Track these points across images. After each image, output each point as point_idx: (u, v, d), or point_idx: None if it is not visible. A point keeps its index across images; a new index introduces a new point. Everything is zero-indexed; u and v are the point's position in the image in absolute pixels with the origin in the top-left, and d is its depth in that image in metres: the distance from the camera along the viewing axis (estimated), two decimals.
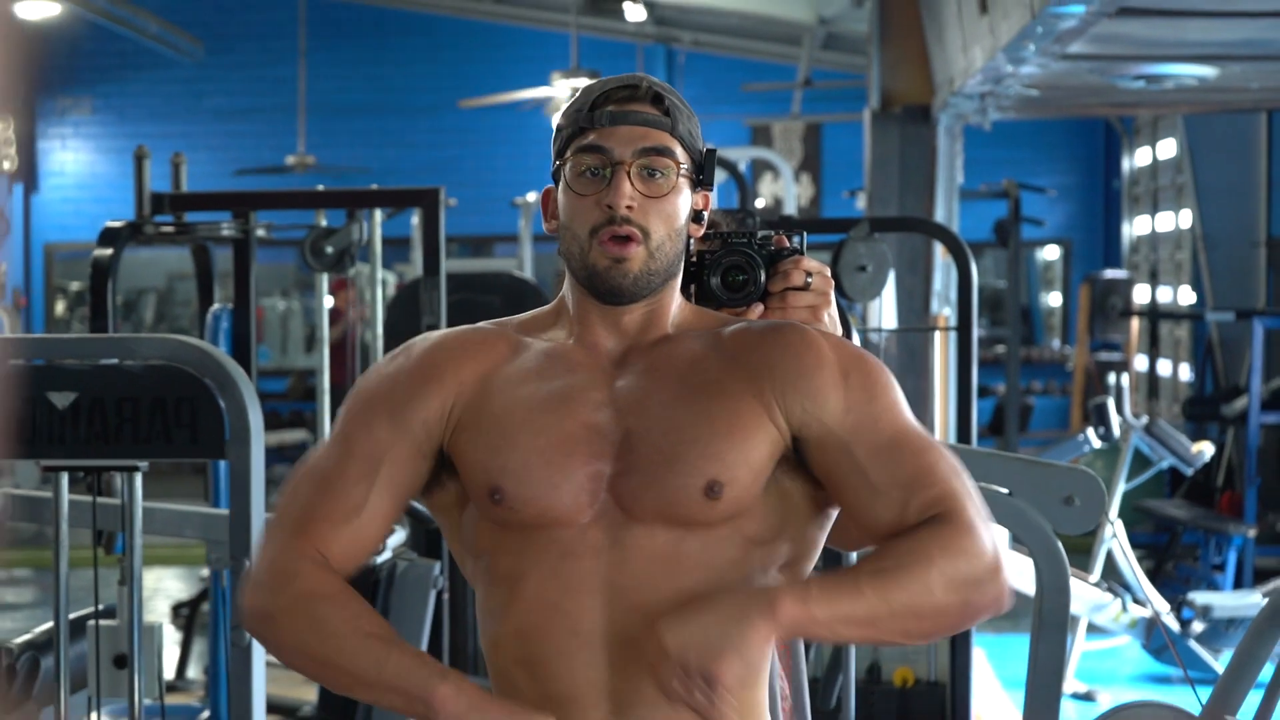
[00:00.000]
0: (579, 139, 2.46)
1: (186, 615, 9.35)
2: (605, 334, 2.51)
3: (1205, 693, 4.23)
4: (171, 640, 9.72)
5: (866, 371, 2.43)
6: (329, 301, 7.40)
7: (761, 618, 2.25)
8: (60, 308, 18.72)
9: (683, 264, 2.52)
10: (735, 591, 2.33)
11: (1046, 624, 3.93)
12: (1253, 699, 4.11)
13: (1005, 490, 3.94)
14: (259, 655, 3.69)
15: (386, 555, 4.09)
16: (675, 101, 2.49)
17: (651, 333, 2.50)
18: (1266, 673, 4.13)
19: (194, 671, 9.06)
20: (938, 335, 6.91)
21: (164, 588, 11.98)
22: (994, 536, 2.37)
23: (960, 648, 5.38)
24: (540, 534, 2.41)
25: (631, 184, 2.44)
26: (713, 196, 2.59)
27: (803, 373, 2.41)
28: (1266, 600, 4.20)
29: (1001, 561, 2.36)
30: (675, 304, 2.53)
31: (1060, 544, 3.91)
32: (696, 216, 2.52)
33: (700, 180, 2.51)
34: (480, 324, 2.58)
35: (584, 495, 2.40)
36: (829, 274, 2.72)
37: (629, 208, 2.43)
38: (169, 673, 9.04)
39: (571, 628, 2.39)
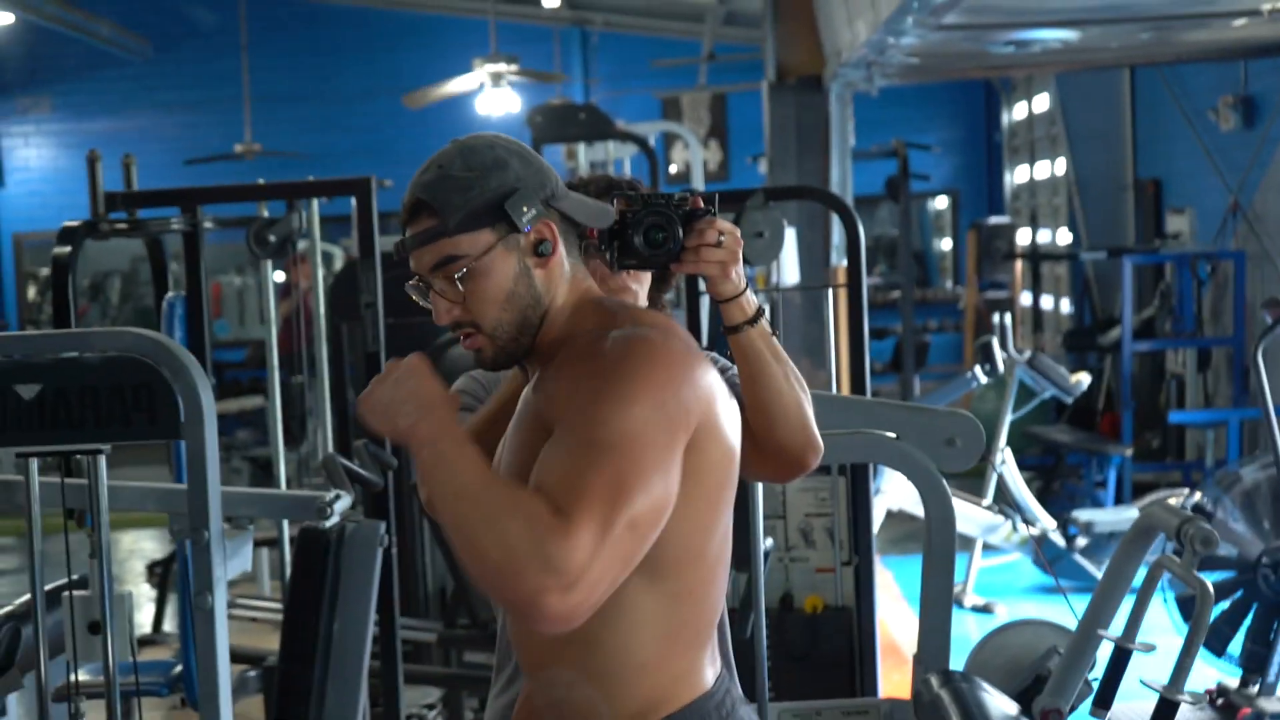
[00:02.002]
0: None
1: (160, 574, 9.34)
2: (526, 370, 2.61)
3: (1085, 602, 4.30)
4: (148, 598, 9.72)
5: (599, 377, 2.33)
6: (279, 277, 7.41)
7: (412, 419, 2.33)
8: (32, 292, 18.61)
9: (540, 308, 2.50)
10: (422, 385, 2.36)
11: (935, 553, 3.99)
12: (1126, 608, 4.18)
13: (893, 435, 4.00)
14: (221, 615, 3.71)
15: (335, 519, 4.10)
16: (445, 196, 2.45)
17: (542, 359, 2.52)
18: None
19: (170, 625, 9.05)
20: (834, 289, 6.96)
21: (139, 548, 11.95)
22: (583, 570, 2.19)
23: (864, 575, 5.44)
24: None
25: (443, 295, 2.47)
26: (626, 165, 2.62)
27: (563, 401, 2.36)
28: (1136, 518, 4.27)
29: (559, 591, 2.17)
30: (564, 322, 2.52)
31: (944, 482, 3.97)
32: (537, 249, 2.49)
33: (515, 229, 2.46)
34: None
35: None
36: (739, 235, 2.76)
37: (452, 317, 2.48)
38: (146, 628, 9.04)
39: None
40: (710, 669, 2.50)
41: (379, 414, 2.38)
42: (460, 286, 2.45)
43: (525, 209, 2.47)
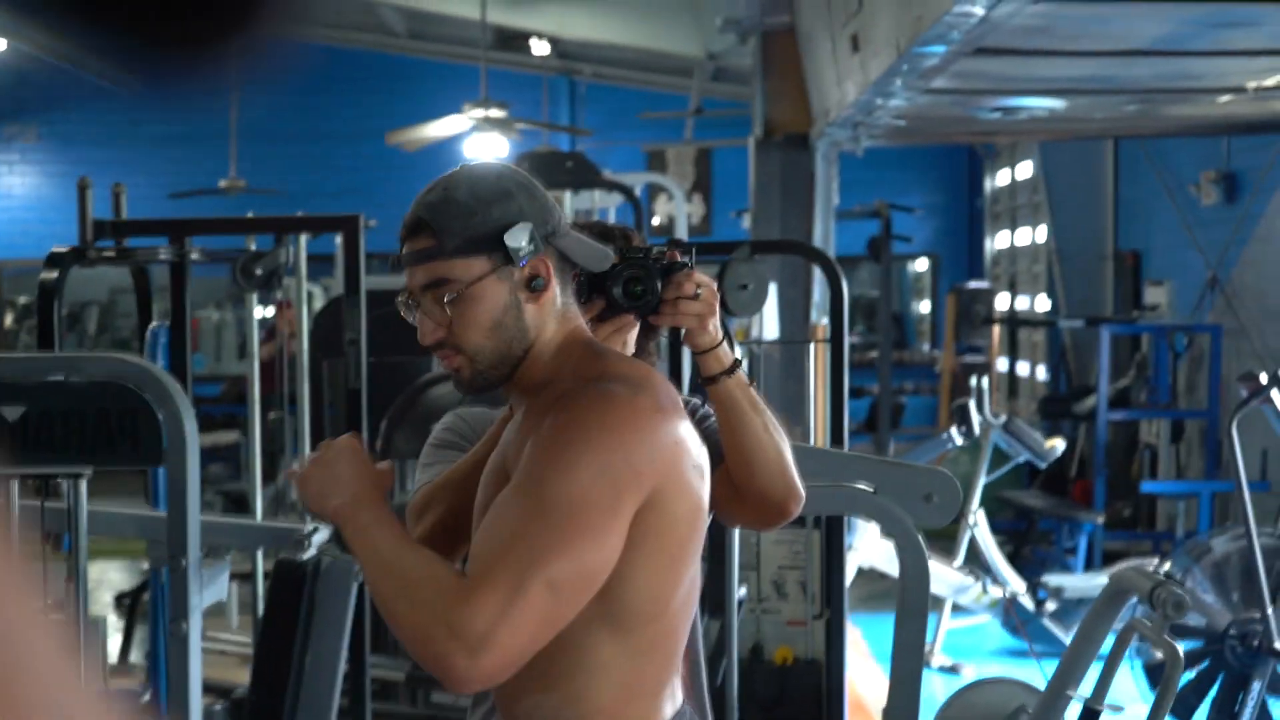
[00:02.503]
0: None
1: (129, 605, 9.32)
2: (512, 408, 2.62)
3: (1053, 665, 4.32)
4: (115, 628, 9.68)
5: (551, 438, 2.35)
6: (266, 313, 7.41)
7: (340, 499, 2.45)
8: (9, 319, 18.58)
9: (525, 343, 2.50)
10: (351, 467, 2.48)
11: (908, 608, 4.01)
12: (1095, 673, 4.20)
13: (871, 488, 4.02)
14: (195, 643, 3.72)
15: (311, 552, 4.12)
16: (446, 221, 2.47)
17: (522, 401, 2.54)
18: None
19: (136, 657, 9.02)
20: (814, 345, 6.99)
21: (108, 579, 11.90)
22: (486, 634, 2.24)
23: (835, 629, 5.46)
24: None
25: (430, 318, 2.49)
26: (611, 214, 2.65)
27: (522, 456, 2.39)
28: (1108, 582, 4.30)
29: (465, 654, 2.23)
30: (547, 363, 2.52)
31: (920, 537, 3.99)
32: (530, 284, 2.49)
33: (510, 261, 2.47)
34: None
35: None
36: (716, 288, 2.80)
37: (435, 337, 2.49)
38: (113, 658, 9.00)
39: None
40: (669, 705, 2.51)
41: (312, 495, 2.50)
42: (448, 310, 2.46)
43: (524, 243, 2.47)
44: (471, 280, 2.46)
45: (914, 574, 4.00)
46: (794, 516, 2.84)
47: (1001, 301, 16.85)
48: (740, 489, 2.79)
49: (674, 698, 2.53)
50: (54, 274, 5.19)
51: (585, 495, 2.30)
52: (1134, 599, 4.19)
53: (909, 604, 4.01)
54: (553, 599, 2.28)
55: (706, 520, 2.51)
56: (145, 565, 9.24)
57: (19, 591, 0.33)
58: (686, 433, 2.44)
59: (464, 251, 2.46)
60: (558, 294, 2.54)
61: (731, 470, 2.78)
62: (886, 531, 4.00)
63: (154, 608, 5.53)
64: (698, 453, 2.46)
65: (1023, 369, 16.01)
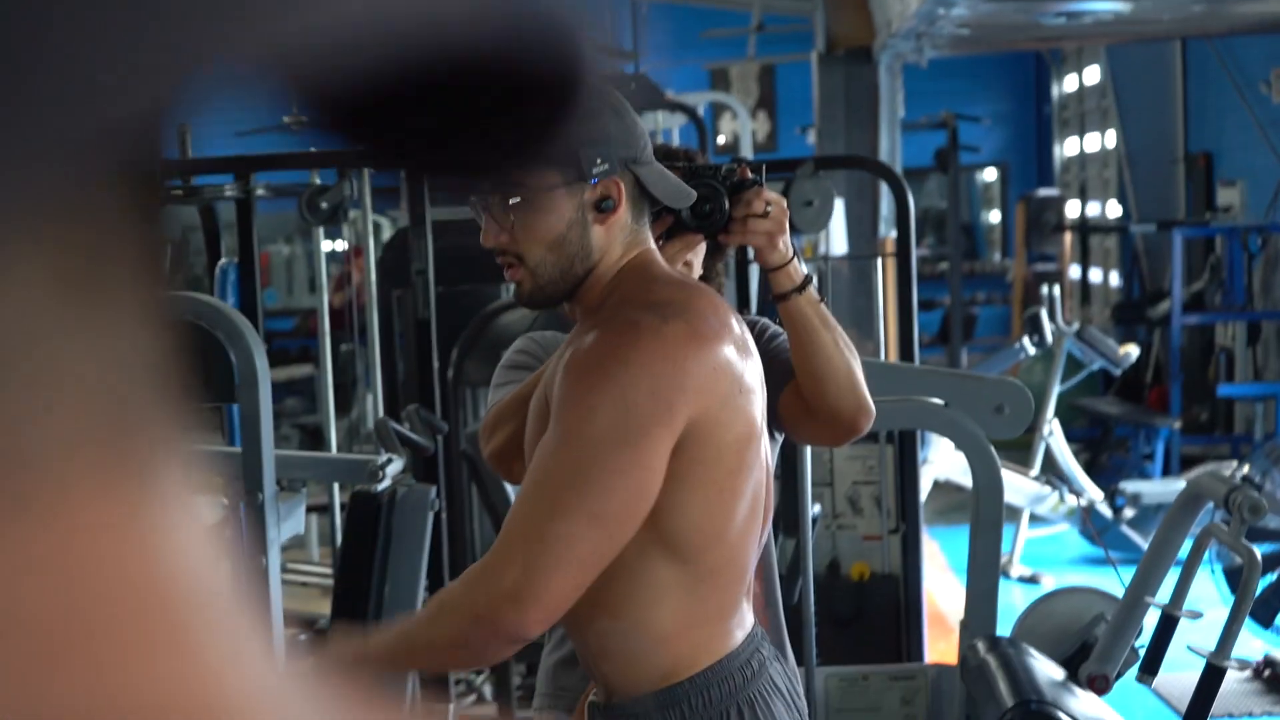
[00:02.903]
0: None
1: None
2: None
3: (1131, 573, 4.31)
4: None
5: (579, 378, 2.35)
6: (336, 246, 7.46)
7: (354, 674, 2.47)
8: None
9: (587, 262, 2.48)
10: (342, 659, 2.55)
11: (982, 520, 4.01)
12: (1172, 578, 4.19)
13: (942, 402, 4.01)
14: (275, 577, 3.76)
15: (386, 483, 4.15)
16: None
17: (583, 322, 2.52)
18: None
19: None
20: (882, 259, 6.97)
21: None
22: (521, 582, 2.29)
23: (910, 543, 5.46)
24: None
25: (495, 221, 2.46)
26: (675, 135, 2.64)
27: (556, 393, 2.39)
28: (1184, 487, 4.28)
29: (510, 610, 2.29)
30: (606, 286, 2.50)
31: (992, 448, 3.99)
32: (599, 204, 2.47)
33: (582, 177, 2.45)
34: None
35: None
36: (785, 205, 2.78)
37: (498, 242, 2.47)
38: None
39: None
40: (738, 631, 2.51)
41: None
42: (513, 212, 2.45)
43: (599, 162, 2.44)
44: (540, 190, 2.45)
45: (987, 486, 4.00)
46: (864, 432, 2.84)
47: (1072, 209, 16.73)
48: (811, 406, 2.79)
49: (743, 623, 2.53)
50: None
51: (607, 432, 2.30)
52: (1210, 504, 4.17)
53: (983, 516, 4.01)
54: (596, 533, 2.30)
55: (763, 442, 2.49)
56: (225, 501, 9.33)
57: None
58: (731, 357, 2.39)
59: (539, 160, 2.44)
60: (628, 219, 2.50)
61: (802, 387, 2.78)
62: (959, 444, 3.99)
63: (233, 544, 5.59)
64: (747, 375, 2.42)
65: (1095, 276, 15.90)
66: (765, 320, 3.04)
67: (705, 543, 2.42)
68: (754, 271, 5.36)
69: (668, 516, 2.38)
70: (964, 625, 4.10)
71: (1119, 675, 4.20)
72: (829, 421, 2.81)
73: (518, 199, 2.44)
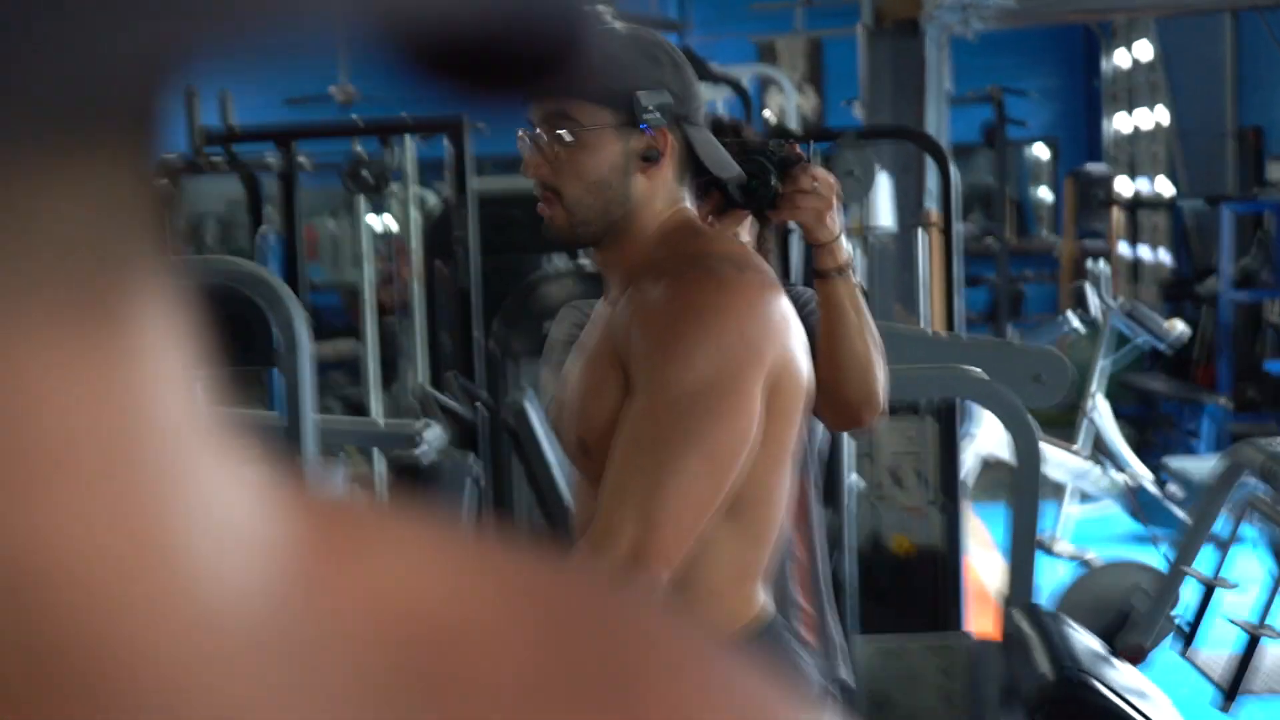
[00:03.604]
0: None
1: None
2: (607, 285, 2.59)
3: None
4: None
5: (660, 331, 2.36)
6: (387, 222, 7.51)
7: None
8: None
9: (625, 209, 2.48)
10: None
11: (1021, 489, 4.02)
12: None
13: (980, 371, 4.02)
14: None
15: (425, 449, 4.19)
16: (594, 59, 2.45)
17: (625, 280, 2.51)
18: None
19: None
20: (926, 234, 6.96)
21: None
22: (636, 557, 2.31)
23: (952, 515, 5.46)
24: None
25: (541, 152, 2.47)
26: (720, 108, 2.65)
27: (634, 348, 2.39)
28: (1219, 461, 4.28)
29: (639, 568, 2.31)
30: (649, 241, 2.50)
31: (1030, 418, 3.99)
32: (645, 153, 2.48)
33: (632, 123, 2.46)
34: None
35: (568, 435, 2.56)
36: (833, 180, 2.80)
37: (539, 174, 2.48)
38: None
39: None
40: (764, 592, 2.56)
41: None
42: (561, 143, 2.46)
43: (651, 110, 2.46)
44: (590, 127, 2.46)
45: (1025, 455, 4.01)
46: (865, 426, 2.89)
47: (1121, 184, 16.65)
48: (822, 387, 2.81)
49: (766, 584, 2.57)
50: (163, 181, 5.26)
51: (708, 378, 2.32)
52: (1252, 477, 4.17)
53: (1022, 485, 4.02)
54: (699, 479, 2.32)
55: (807, 404, 2.51)
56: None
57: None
58: (790, 309, 2.44)
59: (600, 97, 2.44)
60: (671, 177, 2.52)
61: (819, 366, 2.80)
62: (996, 413, 4.00)
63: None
64: (801, 330, 2.47)
65: (1144, 253, 15.83)
66: (810, 292, 3.05)
67: (761, 497, 2.46)
68: (796, 250, 5.37)
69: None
70: (1003, 596, 4.11)
71: (1154, 645, 4.21)
72: (835, 407, 2.84)
73: (567, 132, 2.45)
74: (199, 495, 0.32)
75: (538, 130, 2.47)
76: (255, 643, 0.32)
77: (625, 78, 2.45)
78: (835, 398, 2.80)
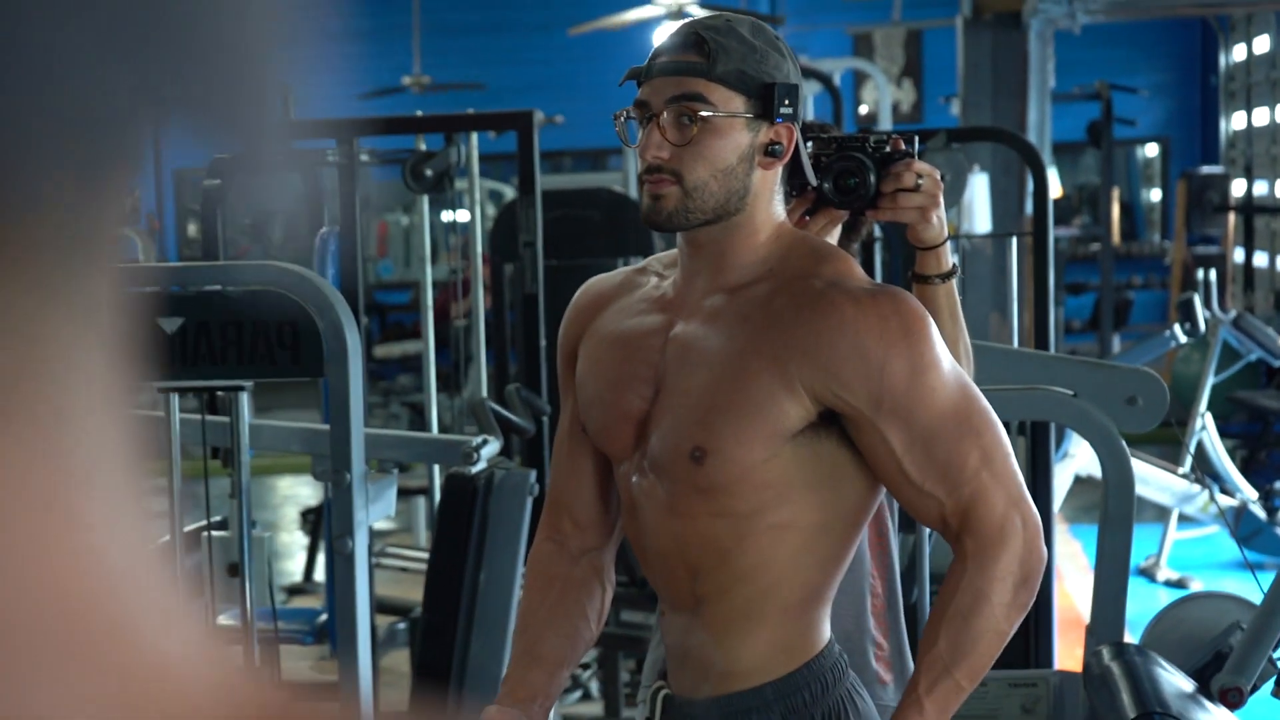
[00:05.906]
0: (638, 94, 2.52)
1: (313, 521, 9.50)
2: (691, 274, 2.56)
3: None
4: (300, 545, 9.89)
5: (905, 354, 2.40)
6: (456, 217, 7.53)
7: None
8: (192, 229, 18.98)
9: (742, 201, 2.48)
10: None
11: (1111, 517, 3.97)
12: None
13: (1071, 393, 3.97)
14: (361, 560, 3.78)
15: (483, 465, 4.17)
16: (725, 43, 2.46)
17: (728, 276, 2.51)
18: None
19: (321, 574, 9.22)
20: (1022, 239, 6.90)
21: (295, 494, 12.16)
22: (1022, 510, 2.44)
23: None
24: (614, 463, 2.63)
25: (664, 133, 2.46)
26: (809, 107, 2.63)
27: (834, 357, 2.40)
28: None
29: (1029, 539, 2.44)
30: (762, 244, 2.51)
31: (1124, 442, 3.94)
32: (769, 147, 2.49)
33: (765, 114, 2.47)
34: (626, 267, 2.75)
35: (628, 435, 2.56)
36: (939, 177, 2.75)
37: (659, 157, 2.46)
38: (297, 576, 9.21)
39: (640, 547, 2.60)
40: (826, 626, 2.56)
41: None
42: (690, 126, 2.45)
43: (785, 103, 2.48)
44: (727, 113, 2.46)
45: (1118, 481, 3.95)
46: None
47: (1238, 187, 16.49)
48: None
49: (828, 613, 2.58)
50: (217, 181, 5.29)
51: (956, 372, 2.47)
52: None
53: (1112, 513, 3.97)
54: (1007, 444, 2.48)
55: None
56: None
57: (130, 520, 0.35)
58: None
59: (730, 82, 2.46)
60: (779, 176, 2.54)
61: None
62: (1087, 437, 3.95)
63: (325, 524, 5.64)
64: None
65: (1260, 260, 15.67)
66: None
67: (855, 519, 2.51)
68: (878, 256, 5.34)
69: (853, 481, 2.48)
70: (1089, 630, 4.06)
71: (1255, 689, 4.14)
72: None
73: (700, 115, 2.45)
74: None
75: (661, 111, 2.47)
76: None
77: (763, 68, 2.49)
78: None
